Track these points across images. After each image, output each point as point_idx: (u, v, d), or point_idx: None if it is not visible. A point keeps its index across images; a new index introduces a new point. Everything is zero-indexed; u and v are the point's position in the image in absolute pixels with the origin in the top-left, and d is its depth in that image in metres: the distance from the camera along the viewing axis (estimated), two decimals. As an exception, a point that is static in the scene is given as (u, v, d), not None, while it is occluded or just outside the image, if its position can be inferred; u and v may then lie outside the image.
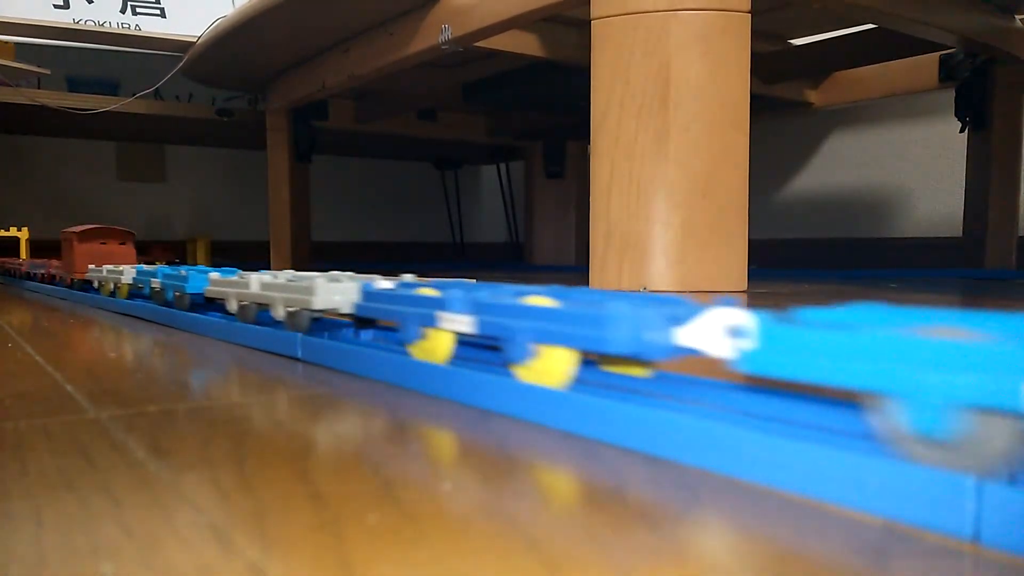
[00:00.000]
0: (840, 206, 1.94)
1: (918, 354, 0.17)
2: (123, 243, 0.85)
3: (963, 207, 1.43)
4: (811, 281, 1.23)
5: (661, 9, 0.76)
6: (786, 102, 1.68)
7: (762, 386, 0.26)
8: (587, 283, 0.82)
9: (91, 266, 0.79)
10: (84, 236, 0.83)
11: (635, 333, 0.23)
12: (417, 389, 0.31)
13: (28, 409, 0.29)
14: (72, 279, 0.86)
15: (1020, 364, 0.15)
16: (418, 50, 1.18)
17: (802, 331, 0.19)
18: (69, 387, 0.33)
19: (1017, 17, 1.26)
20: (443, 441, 0.25)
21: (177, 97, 1.92)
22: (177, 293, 0.56)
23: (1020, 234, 1.41)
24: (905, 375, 0.17)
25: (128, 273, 0.67)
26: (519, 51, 1.26)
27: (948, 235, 1.67)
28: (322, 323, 0.43)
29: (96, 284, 0.77)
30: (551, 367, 0.27)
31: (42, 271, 1.06)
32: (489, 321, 0.29)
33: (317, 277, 0.41)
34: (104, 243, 0.84)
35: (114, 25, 1.65)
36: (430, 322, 0.31)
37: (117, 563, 0.15)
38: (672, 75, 0.76)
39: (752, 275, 0.83)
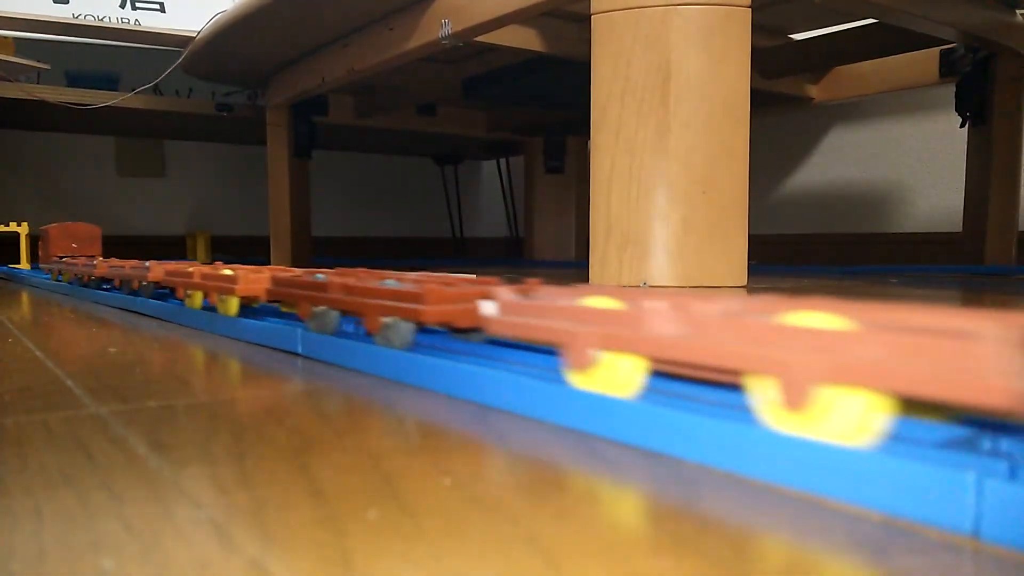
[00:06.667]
0: (840, 201, 1.94)
1: None
2: None
3: (963, 202, 1.42)
4: (811, 277, 1.23)
5: (661, 4, 0.76)
6: (786, 97, 1.67)
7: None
8: (587, 279, 0.82)
9: None
10: None
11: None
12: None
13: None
14: None
15: None
16: (418, 45, 1.17)
17: None
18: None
19: (1018, 12, 1.26)
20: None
21: (177, 92, 1.91)
22: None
23: (1021, 229, 1.41)
24: None
25: None
26: (519, 46, 1.25)
27: (948, 230, 1.67)
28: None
29: None
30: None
31: None
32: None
33: None
34: None
35: (113, 20, 1.65)
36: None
37: (117, 558, 0.15)
38: (672, 70, 0.76)
39: (752, 271, 0.83)
